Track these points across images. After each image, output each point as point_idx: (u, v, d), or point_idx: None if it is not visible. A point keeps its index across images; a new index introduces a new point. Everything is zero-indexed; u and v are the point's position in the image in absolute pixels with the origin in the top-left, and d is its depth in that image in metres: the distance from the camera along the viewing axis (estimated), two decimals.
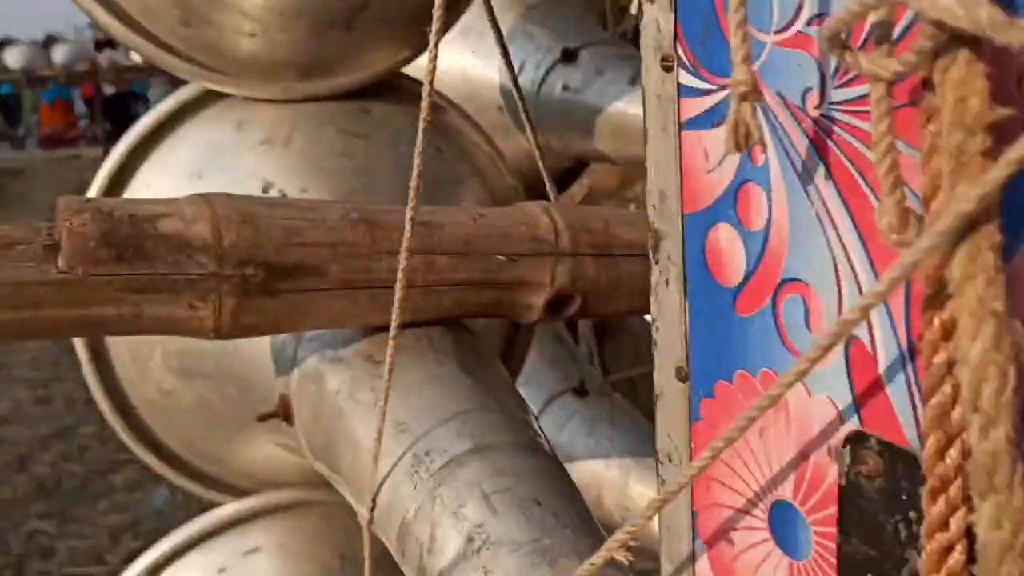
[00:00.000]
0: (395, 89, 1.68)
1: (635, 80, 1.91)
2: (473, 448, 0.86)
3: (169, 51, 1.54)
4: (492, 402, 0.95)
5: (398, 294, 0.82)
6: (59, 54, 18.81)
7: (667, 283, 0.65)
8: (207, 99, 1.61)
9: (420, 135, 0.80)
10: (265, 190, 1.48)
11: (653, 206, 0.65)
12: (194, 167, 1.55)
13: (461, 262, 1.05)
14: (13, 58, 18.61)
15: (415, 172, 0.78)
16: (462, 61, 2.18)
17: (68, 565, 5.43)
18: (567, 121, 2.03)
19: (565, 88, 2.03)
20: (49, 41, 19.94)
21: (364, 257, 1.01)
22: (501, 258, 1.07)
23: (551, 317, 1.14)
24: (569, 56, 2.04)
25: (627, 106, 1.89)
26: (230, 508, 1.70)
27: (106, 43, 19.26)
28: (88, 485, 6.19)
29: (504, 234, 1.09)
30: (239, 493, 1.72)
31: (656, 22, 0.61)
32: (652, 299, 0.67)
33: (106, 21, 1.48)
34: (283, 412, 1.19)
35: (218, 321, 0.96)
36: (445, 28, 1.70)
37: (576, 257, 1.12)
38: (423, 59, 1.73)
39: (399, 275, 0.80)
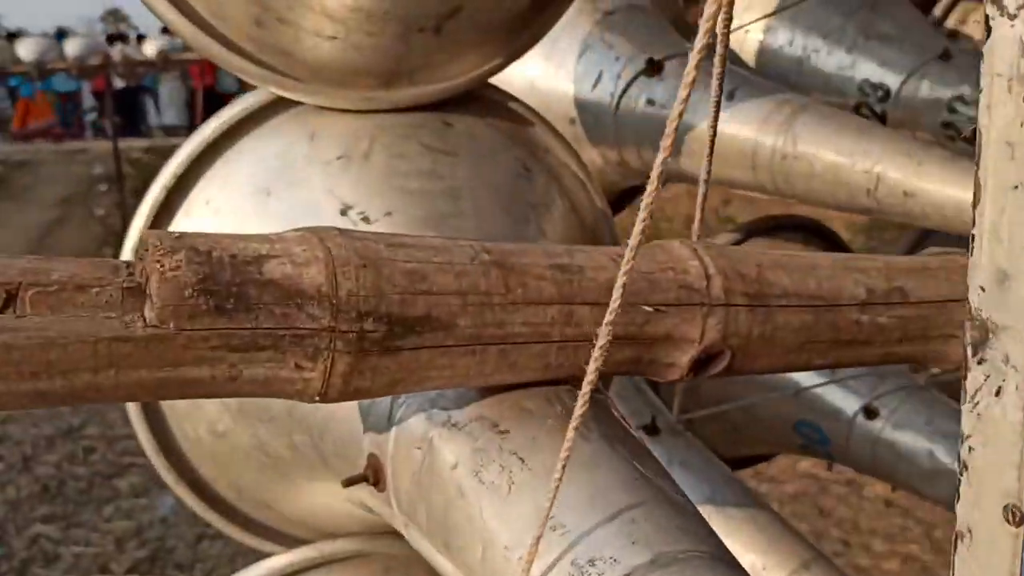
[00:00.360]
0: (478, 101, 1.53)
1: (732, 95, 1.75)
2: (653, 560, 0.69)
3: (239, 53, 1.38)
4: (655, 492, 0.79)
5: (596, 352, 0.65)
6: (71, 47, 18.64)
7: (997, 392, 0.48)
8: (275, 107, 1.45)
9: (657, 165, 0.64)
10: (343, 212, 1.32)
11: (981, 288, 0.49)
12: (261, 183, 1.39)
13: (603, 313, 0.89)
14: (26, 50, 18.44)
15: (644, 206, 0.61)
16: (531, 69, 2.03)
17: (72, 573, 5.30)
18: (651, 138, 1.88)
19: (650, 103, 1.87)
20: (61, 34, 19.80)
21: (498, 308, 0.85)
22: (648, 309, 0.91)
23: (693, 376, 0.98)
24: (654, 67, 1.88)
25: (724, 125, 1.73)
26: (282, 560, 1.53)
27: (118, 37, 19.12)
28: (93, 489, 6.05)
29: (650, 280, 0.93)
30: (286, 541, 1.57)
31: (1020, 41, 0.45)
32: (965, 408, 0.51)
33: (172, 19, 1.32)
34: (372, 476, 1.03)
35: (326, 384, 0.80)
36: (540, 34, 1.55)
37: (728, 308, 0.96)
38: (509, 69, 1.58)
39: (602, 329, 0.64)
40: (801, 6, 2.36)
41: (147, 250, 0.77)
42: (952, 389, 2.37)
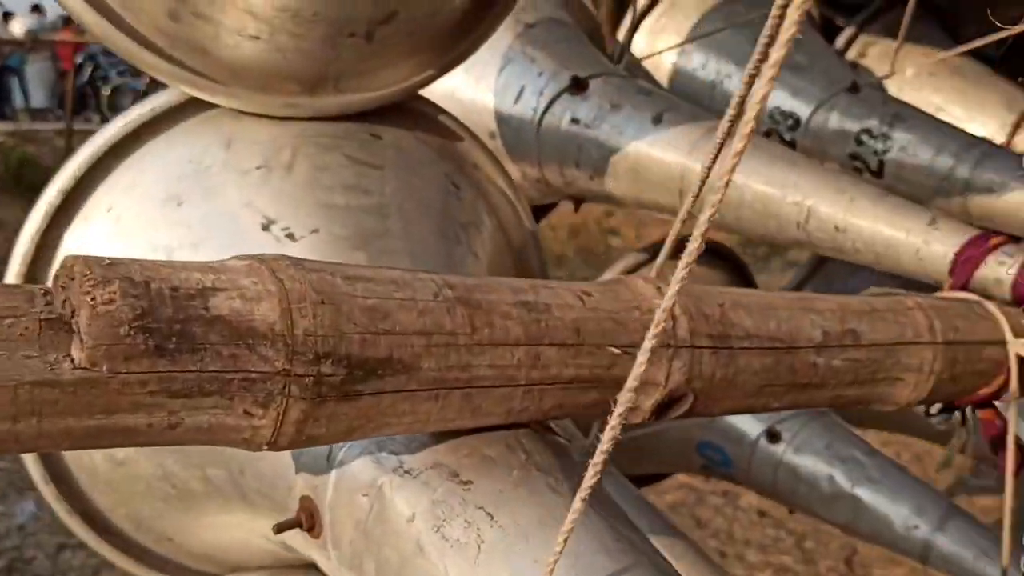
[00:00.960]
0: (407, 112, 1.45)
1: (660, 118, 1.72)
2: None
3: (150, 48, 1.27)
4: (637, 557, 0.74)
5: (619, 407, 0.59)
6: None
7: None
8: (187, 109, 1.34)
9: None
10: (266, 227, 1.23)
11: None
12: (171, 191, 1.28)
13: (570, 355, 0.84)
14: None
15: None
16: (452, 81, 1.96)
17: None
18: (574, 157, 1.83)
19: (574, 121, 1.82)
20: None
21: (463, 349, 0.78)
22: (615, 351, 0.86)
23: (654, 420, 0.94)
24: (579, 85, 1.83)
25: (651, 147, 1.70)
26: None
27: None
28: None
29: (616, 320, 0.88)
30: (187, 574, 1.45)
31: None
32: None
33: (77, 8, 1.20)
34: (307, 521, 0.94)
35: (277, 432, 0.72)
36: (475, 47, 1.49)
37: (693, 350, 0.91)
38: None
39: (634, 370, 0.58)
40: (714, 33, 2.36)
41: (72, 278, 0.67)
42: (849, 415, 2.42)
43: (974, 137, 2.08)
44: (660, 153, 1.68)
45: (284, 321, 0.70)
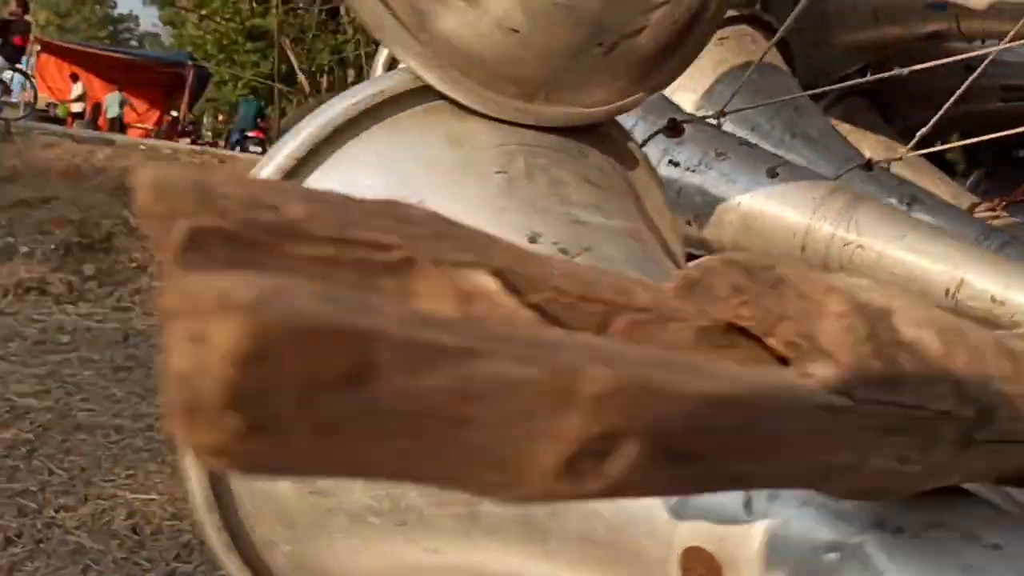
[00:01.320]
0: (600, 134, 1.37)
1: (775, 173, 1.72)
2: None
3: (404, 24, 1.13)
4: None
5: None
6: None
7: None
8: (405, 98, 1.20)
9: None
10: (532, 240, 1.11)
11: None
12: (404, 185, 1.13)
13: None
14: None
15: None
16: None
17: None
18: (671, 200, 1.79)
19: (673, 164, 1.79)
20: None
21: (1015, 400, 0.73)
22: None
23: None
24: (676, 129, 1.81)
25: (767, 200, 1.69)
26: None
27: None
28: None
29: None
30: None
31: None
32: None
33: None
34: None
35: (921, 479, 0.63)
36: (681, 69, 1.43)
37: None
38: None
39: None
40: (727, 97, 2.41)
41: (779, 281, 0.57)
42: None
43: (991, 227, 2.23)
44: (778, 208, 1.68)
45: (948, 351, 0.63)
